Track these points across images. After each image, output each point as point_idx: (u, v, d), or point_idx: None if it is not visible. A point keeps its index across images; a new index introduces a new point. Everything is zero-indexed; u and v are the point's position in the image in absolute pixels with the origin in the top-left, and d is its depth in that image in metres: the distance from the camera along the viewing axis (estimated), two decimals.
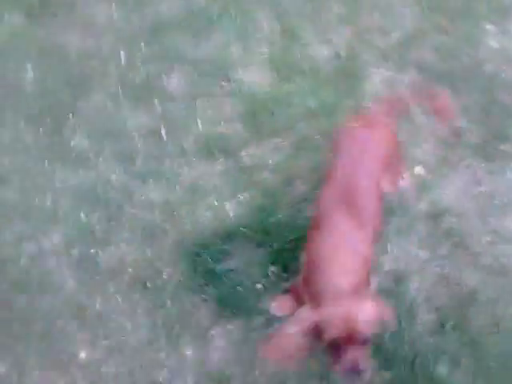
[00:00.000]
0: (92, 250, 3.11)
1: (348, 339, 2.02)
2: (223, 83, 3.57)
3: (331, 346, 2.08)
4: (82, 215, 3.21)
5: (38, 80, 3.67)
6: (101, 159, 3.39)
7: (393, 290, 2.90)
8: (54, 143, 3.46)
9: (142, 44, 3.74)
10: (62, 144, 3.45)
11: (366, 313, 2.06)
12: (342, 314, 2.05)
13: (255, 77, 3.57)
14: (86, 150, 3.42)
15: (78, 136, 3.46)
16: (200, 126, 3.44)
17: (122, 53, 3.71)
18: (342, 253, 2.31)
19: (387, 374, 2.68)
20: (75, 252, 3.11)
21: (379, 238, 2.66)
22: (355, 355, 2.03)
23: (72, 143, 3.45)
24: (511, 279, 2.90)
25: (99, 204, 3.24)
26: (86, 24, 3.85)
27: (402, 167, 2.98)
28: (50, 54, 3.76)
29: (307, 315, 2.13)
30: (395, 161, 2.73)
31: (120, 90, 3.59)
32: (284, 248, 3.00)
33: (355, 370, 2.03)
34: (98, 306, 2.96)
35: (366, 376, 2.07)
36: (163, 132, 3.44)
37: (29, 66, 3.74)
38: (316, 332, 2.08)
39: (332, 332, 2.03)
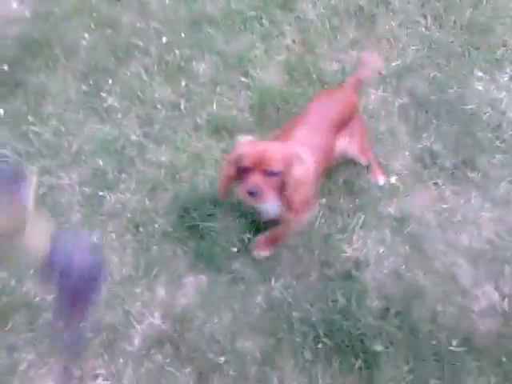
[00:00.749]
0: (101, 193, 3.11)
1: (255, 169, 2.16)
2: (242, 77, 3.51)
3: (243, 174, 2.21)
4: (100, 162, 3.20)
5: (90, 46, 3.69)
6: (126, 119, 3.38)
7: (350, 273, 2.85)
8: (91, 100, 3.47)
9: (183, 32, 3.70)
10: (97, 102, 3.46)
11: (276, 152, 2.19)
12: (256, 149, 2.20)
13: (270, 76, 3.51)
14: (116, 109, 3.42)
15: (111, 97, 3.46)
16: (215, 108, 3.40)
17: (164, 37, 3.68)
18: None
19: (328, 341, 2.63)
20: (87, 191, 3.11)
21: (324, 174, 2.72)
22: (257, 180, 2.16)
23: (105, 102, 3.45)
24: (456, 286, 2.81)
25: (116, 156, 3.23)
26: (142, 7, 3.84)
27: (365, 142, 2.99)
28: (105, 27, 3.75)
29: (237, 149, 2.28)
30: (357, 127, 2.82)
31: (155, 66, 3.58)
32: (260, 222, 2.95)
33: (253, 191, 2.17)
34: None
35: (262, 198, 2.22)
36: (182, 106, 3.40)
37: (86, 34, 3.75)
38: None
39: (244, 161, 2.18)
